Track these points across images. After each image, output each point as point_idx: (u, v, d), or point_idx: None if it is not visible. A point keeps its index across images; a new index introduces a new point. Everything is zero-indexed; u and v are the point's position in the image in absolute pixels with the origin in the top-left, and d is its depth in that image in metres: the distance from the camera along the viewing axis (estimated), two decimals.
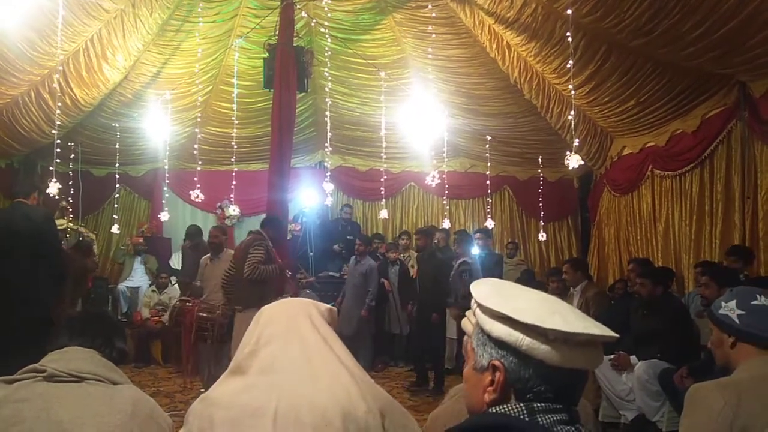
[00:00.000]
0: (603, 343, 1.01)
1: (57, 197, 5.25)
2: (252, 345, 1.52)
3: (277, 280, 5.33)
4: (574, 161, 4.62)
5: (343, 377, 1.44)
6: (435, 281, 6.34)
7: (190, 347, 5.29)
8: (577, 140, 5.09)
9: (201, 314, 5.25)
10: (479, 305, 1.06)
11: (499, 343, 1.01)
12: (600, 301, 5.67)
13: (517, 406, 0.99)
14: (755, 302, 1.85)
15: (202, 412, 1.43)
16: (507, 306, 1.00)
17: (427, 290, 6.40)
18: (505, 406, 1.00)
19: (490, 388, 1.02)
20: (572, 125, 5.42)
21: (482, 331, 1.05)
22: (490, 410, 1.02)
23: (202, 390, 5.16)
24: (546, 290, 6.29)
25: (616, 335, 0.99)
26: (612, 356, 4.57)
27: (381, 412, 1.43)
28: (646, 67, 5.35)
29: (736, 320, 1.85)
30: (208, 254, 5.85)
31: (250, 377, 1.46)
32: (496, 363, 1.01)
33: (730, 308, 1.88)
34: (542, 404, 0.98)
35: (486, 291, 1.07)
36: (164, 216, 7.63)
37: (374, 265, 6.98)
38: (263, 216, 6.74)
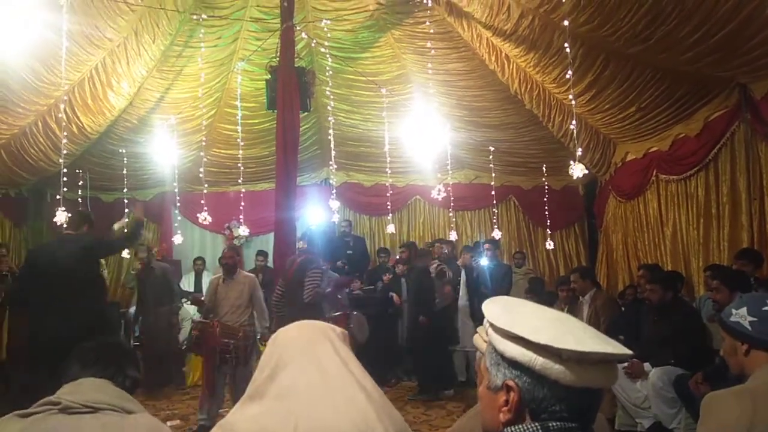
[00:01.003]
0: (618, 360, 1.00)
1: (65, 225, 5.29)
2: (270, 369, 1.51)
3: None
4: (578, 171, 4.60)
5: (361, 401, 1.43)
6: (418, 291, 6.63)
7: (213, 371, 5.23)
8: (580, 149, 5.08)
9: (225, 340, 5.23)
10: (491, 325, 1.06)
11: (513, 363, 1.01)
12: (610, 308, 5.66)
13: (532, 426, 0.99)
14: (767, 308, 1.84)
15: None
16: (519, 326, 1.00)
17: (413, 300, 6.66)
18: (519, 426, 1.00)
19: (505, 408, 1.02)
20: (574, 134, 5.44)
21: (495, 350, 1.05)
22: (504, 430, 1.02)
23: (223, 411, 5.17)
24: (556, 299, 6.32)
25: (630, 352, 0.99)
26: (625, 364, 4.54)
27: None
28: (646, 73, 5.36)
29: (749, 327, 1.84)
30: (219, 274, 5.84)
31: (268, 402, 1.45)
32: (510, 383, 1.01)
33: (741, 315, 1.87)
34: (557, 423, 0.98)
35: (498, 310, 1.07)
36: (178, 239, 7.67)
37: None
38: (272, 235, 6.78)
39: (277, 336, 1.60)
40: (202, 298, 5.83)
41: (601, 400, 1.03)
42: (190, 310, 7.92)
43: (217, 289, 5.58)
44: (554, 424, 0.98)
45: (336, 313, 5.48)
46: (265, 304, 5.67)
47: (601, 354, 0.96)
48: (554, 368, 0.96)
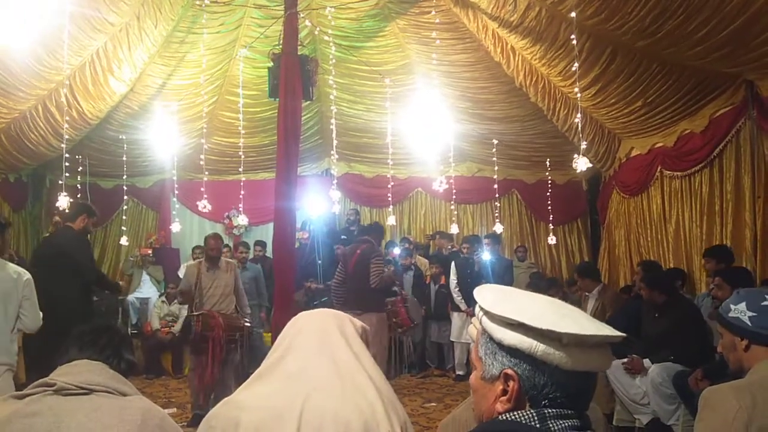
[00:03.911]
0: (614, 342, 1.01)
1: (66, 210, 5.29)
2: (282, 350, 1.53)
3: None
4: (582, 164, 4.58)
5: (370, 394, 1.44)
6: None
7: (220, 361, 5.17)
8: (584, 142, 5.05)
9: (230, 330, 5.23)
10: (486, 313, 1.03)
11: (512, 351, 0.99)
12: (618, 303, 5.67)
13: (528, 412, 0.97)
14: (765, 303, 1.83)
15: (227, 415, 1.43)
16: (518, 312, 0.98)
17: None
18: (515, 413, 0.99)
19: (504, 398, 1.00)
20: (579, 127, 5.40)
21: (491, 339, 1.03)
22: (499, 417, 1.00)
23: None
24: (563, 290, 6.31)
25: (624, 334, 0.99)
26: (625, 360, 4.53)
27: (402, 429, 1.43)
28: (652, 67, 5.32)
29: (748, 322, 1.82)
30: (197, 261, 5.80)
31: (277, 382, 1.47)
32: (510, 372, 0.99)
33: (740, 311, 1.86)
34: (554, 410, 0.97)
35: (492, 298, 1.05)
36: (176, 227, 7.65)
37: (259, 271, 7.30)
38: (271, 225, 6.77)
39: (297, 319, 1.62)
40: (180, 288, 5.67)
41: (595, 385, 1.03)
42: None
43: (200, 277, 5.41)
44: (550, 411, 0.97)
45: (391, 298, 5.93)
46: (243, 289, 5.75)
47: (600, 337, 0.97)
48: (556, 353, 0.95)
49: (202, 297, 5.36)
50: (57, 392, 1.59)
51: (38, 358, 4.27)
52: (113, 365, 1.73)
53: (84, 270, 4.85)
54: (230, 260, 5.95)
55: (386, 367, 6.26)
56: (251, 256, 8.06)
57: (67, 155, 5.96)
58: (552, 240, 8.70)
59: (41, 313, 3.42)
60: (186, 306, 5.47)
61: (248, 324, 5.48)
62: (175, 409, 5.71)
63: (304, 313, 1.66)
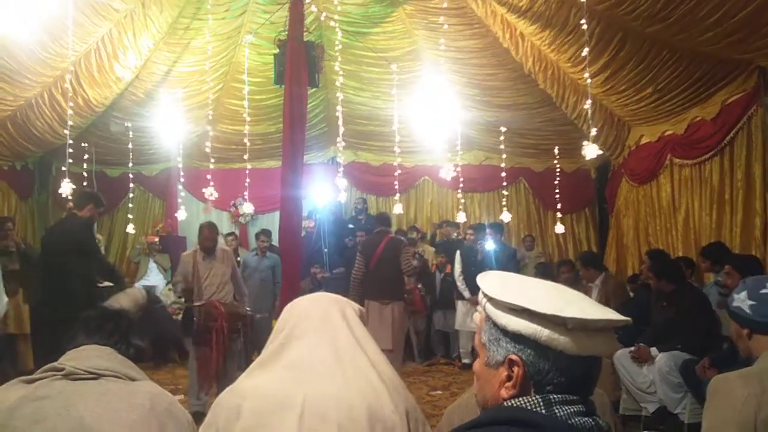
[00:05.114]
0: (618, 326, 1.00)
1: (70, 197, 5.30)
2: (283, 337, 1.52)
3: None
4: (591, 151, 4.53)
5: (372, 377, 1.44)
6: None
7: (224, 351, 5.10)
8: (594, 129, 5.01)
9: (234, 320, 5.17)
10: (490, 299, 1.03)
11: (516, 337, 0.98)
12: (620, 293, 5.65)
13: (534, 399, 0.97)
14: (764, 291, 1.81)
15: (229, 402, 1.44)
16: (523, 298, 0.97)
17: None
18: (520, 399, 0.98)
19: (509, 384, 1.00)
20: (589, 114, 5.35)
21: (495, 325, 1.02)
22: (505, 404, 1.00)
23: None
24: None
25: (629, 319, 0.99)
26: (632, 348, 4.51)
27: (407, 412, 1.42)
28: (663, 53, 5.26)
29: (748, 311, 1.82)
30: (192, 250, 5.61)
31: (279, 370, 1.46)
32: (514, 357, 0.99)
33: (741, 299, 1.85)
34: (559, 396, 0.96)
35: (496, 284, 1.04)
36: (181, 214, 7.66)
37: (278, 260, 7.18)
38: (277, 213, 6.75)
39: (293, 306, 1.60)
40: (175, 280, 5.59)
41: (599, 370, 1.02)
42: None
43: (197, 267, 5.29)
44: (555, 396, 0.96)
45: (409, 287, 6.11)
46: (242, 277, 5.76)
47: (605, 321, 0.96)
48: (560, 339, 0.95)
49: (200, 287, 5.26)
50: (66, 377, 1.59)
51: (45, 344, 4.28)
52: (121, 350, 1.73)
53: (91, 252, 4.84)
54: (226, 248, 5.90)
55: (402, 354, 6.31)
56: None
57: (71, 142, 5.96)
58: (560, 229, 8.65)
59: (6, 298, 3.29)
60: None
61: (249, 312, 5.44)
62: (182, 396, 5.73)
63: (300, 298, 1.64)
